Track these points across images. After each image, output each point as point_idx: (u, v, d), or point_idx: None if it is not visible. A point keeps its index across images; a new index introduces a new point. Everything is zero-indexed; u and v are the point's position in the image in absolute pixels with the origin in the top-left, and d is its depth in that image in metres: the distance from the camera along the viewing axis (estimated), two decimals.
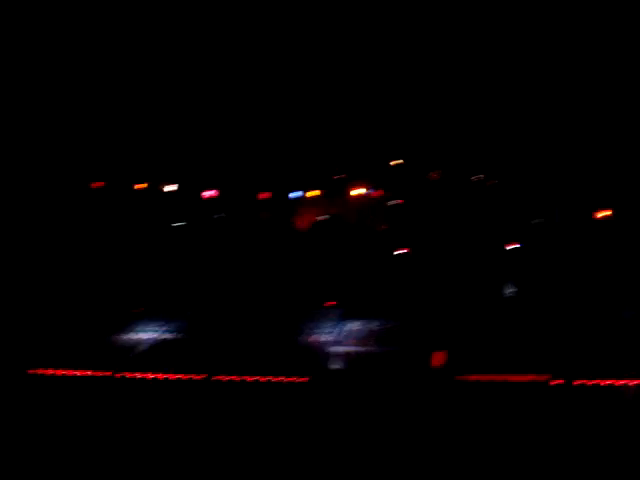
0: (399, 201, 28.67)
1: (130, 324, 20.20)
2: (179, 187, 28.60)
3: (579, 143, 26.92)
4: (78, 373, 17.62)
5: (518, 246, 25.20)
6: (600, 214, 25.80)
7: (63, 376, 17.59)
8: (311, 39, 27.70)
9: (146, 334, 19.56)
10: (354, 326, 19.73)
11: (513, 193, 27.30)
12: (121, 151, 28.08)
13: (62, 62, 26.90)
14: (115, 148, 28.00)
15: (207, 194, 28.53)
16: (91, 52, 27.11)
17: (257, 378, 17.15)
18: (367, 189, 29.41)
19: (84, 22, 26.78)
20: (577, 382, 16.37)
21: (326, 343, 18.80)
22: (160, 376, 17.35)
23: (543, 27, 26.51)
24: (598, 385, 16.31)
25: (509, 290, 22.59)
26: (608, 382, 16.33)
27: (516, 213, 26.68)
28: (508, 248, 25.10)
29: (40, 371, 17.76)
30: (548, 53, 26.82)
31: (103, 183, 27.57)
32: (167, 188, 28.50)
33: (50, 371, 17.76)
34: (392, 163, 29.63)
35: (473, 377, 16.96)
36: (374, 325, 19.67)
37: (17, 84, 26.61)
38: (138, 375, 17.42)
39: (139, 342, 19.05)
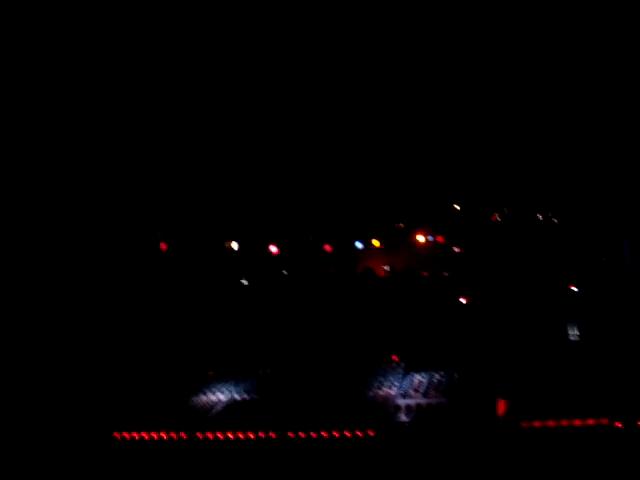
0: (459, 248, 28.88)
1: (204, 386, 21.22)
2: (240, 244, 29.01)
3: None
4: (162, 435, 18.73)
5: (576, 289, 25.02)
6: None
7: (150, 439, 18.76)
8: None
9: (219, 395, 20.55)
10: (418, 378, 20.33)
11: (579, 228, 26.94)
12: (181, 209, 28.53)
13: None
14: (175, 207, 28.47)
15: (273, 249, 28.98)
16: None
17: (329, 432, 17.93)
18: (428, 236, 29.58)
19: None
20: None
21: (392, 396, 19.49)
22: (239, 435, 18.34)
23: None
24: None
25: (573, 334, 22.74)
26: None
27: (583, 251, 26.30)
28: (573, 289, 24.88)
29: (125, 434, 18.93)
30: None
31: (166, 246, 28.26)
32: (234, 245, 29.05)
33: (135, 434, 18.91)
34: (455, 207, 29.68)
35: (538, 423, 17.36)
36: (438, 376, 20.23)
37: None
38: (218, 435, 18.45)
39: (214, 403, 20.07)
